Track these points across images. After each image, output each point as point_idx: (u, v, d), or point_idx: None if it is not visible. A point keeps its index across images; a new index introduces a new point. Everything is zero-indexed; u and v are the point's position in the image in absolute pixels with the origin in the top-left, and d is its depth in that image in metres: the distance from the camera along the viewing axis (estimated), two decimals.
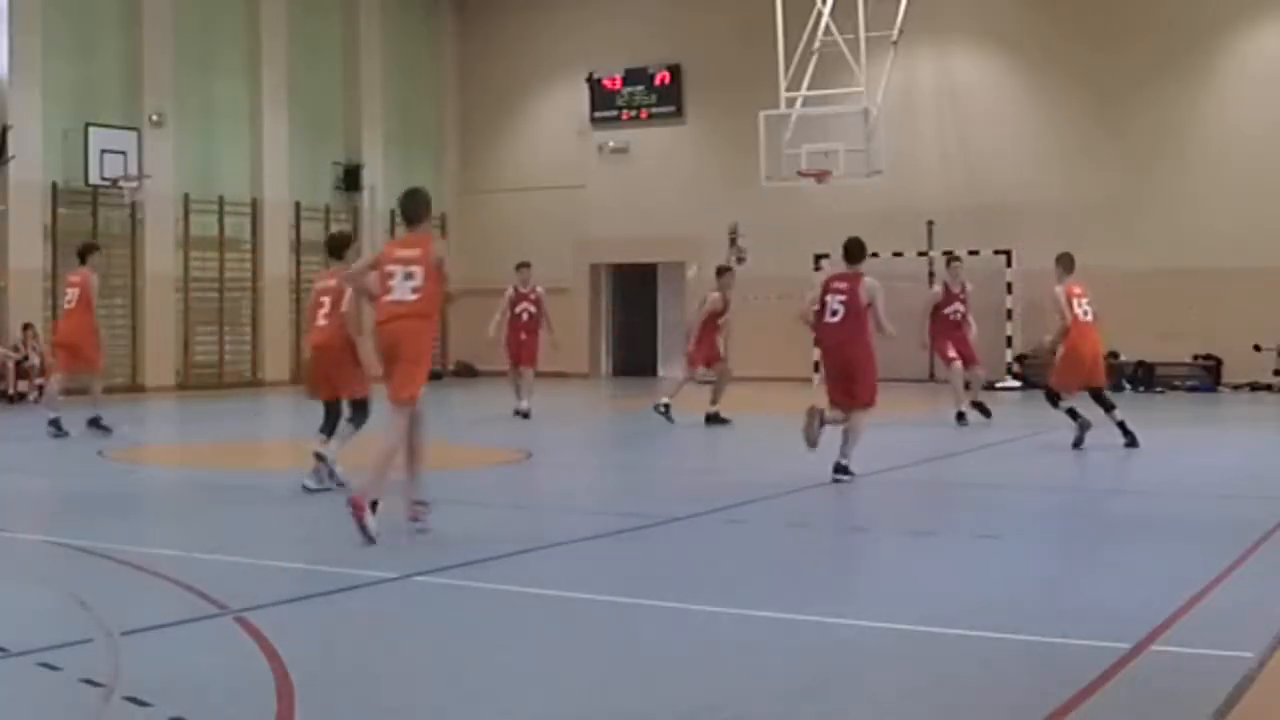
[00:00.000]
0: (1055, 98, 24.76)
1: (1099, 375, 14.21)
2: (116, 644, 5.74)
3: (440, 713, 5.01)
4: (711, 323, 17.13)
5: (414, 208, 8.99)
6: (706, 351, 17.07)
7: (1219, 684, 5.08)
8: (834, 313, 11.37)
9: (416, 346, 8.74)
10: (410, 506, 8.66)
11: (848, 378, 11.35)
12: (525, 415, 17.70)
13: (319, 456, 10.66)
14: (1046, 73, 24.81)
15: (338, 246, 11.29)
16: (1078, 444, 13.81)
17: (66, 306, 15.86)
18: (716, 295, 17.18)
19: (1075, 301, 14.00)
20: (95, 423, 15.41)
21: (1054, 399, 14.22)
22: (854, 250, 11.70)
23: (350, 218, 27.98)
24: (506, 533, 8.97)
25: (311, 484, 10.65)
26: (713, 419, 16.72)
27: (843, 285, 11.48)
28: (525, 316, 18.41)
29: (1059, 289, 14.18)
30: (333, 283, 10.78)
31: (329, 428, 10.86)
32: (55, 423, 15.18)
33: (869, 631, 6.11)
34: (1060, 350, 14.23)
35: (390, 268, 8.73)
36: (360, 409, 10.88)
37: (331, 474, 10.72)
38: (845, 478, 11.18)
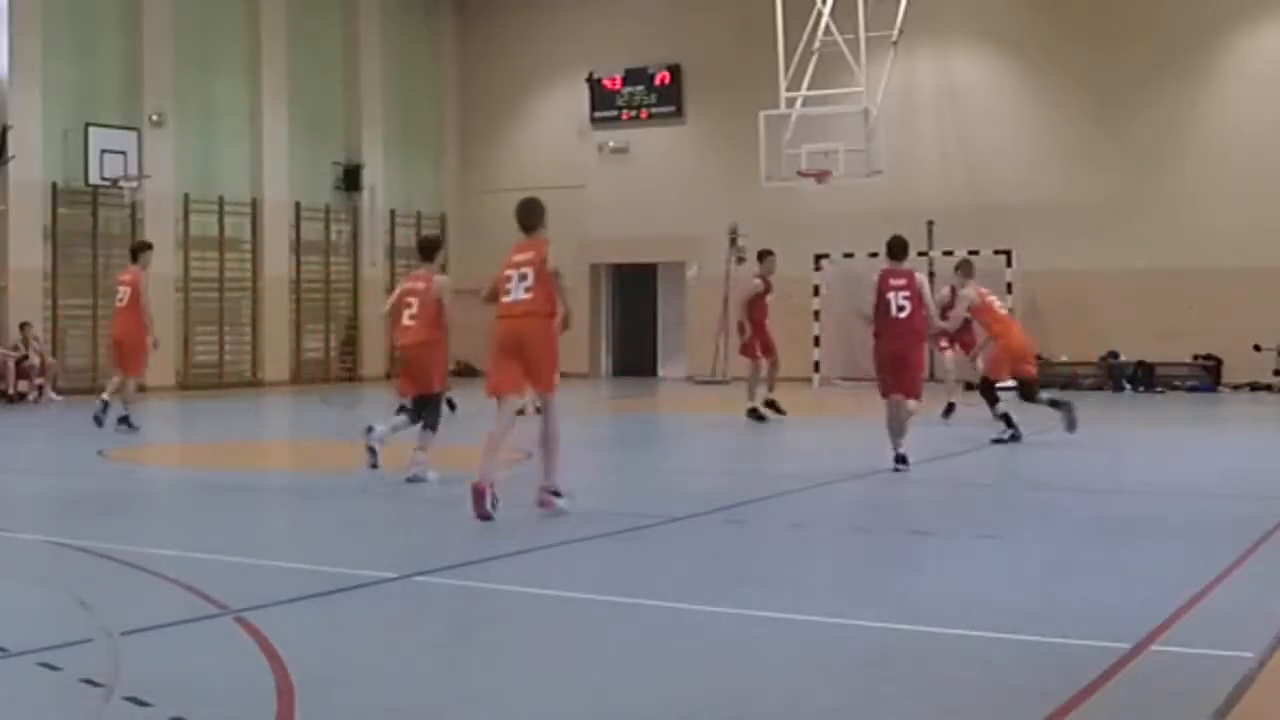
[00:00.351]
0: (1055, 98, 24.77)
1: (1029, 364, 14.80)
2: (116, 644, 5.74)
3: (440, 713, 5.01)
4: (758, 308, 17.43)
5: (528, 216, 9.72)
6: (763, 340, 17.36)
7: (1219, 684, 5.08)
8: (900, 309, 11.98)
9: (538, 342, 9.45)
10: (541, 493, 9.40)
11: (903, 368, 12.06)
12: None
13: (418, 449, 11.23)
14: (1046, 73, 24.82)
15: (430, 249, 11.92)
16: (1000, 440, 14.39)
17: (118, 305, 16.06)
18: (757, 280, 17.47)
19: (991, 303, 14.75)
20: (124, 420, 15.74)
21: (993, 398, 14.66)
22: (898, 248, 12.36)
23: (350, 218, 28.02)
24: (506, 533, 8.97)
25: (432, 476, 11.06)
26: (771, 406, 17.07)
27: (901, 282, 12.08)
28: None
29: (969, 293, 14.81)
30: (421, 285, 11.43)
31: (427, 421, 11.39)
32: (125, 419, 15.61)
33: (869, 631, 6.11)
34: (991, 346, 15.07)
35: (508, 271, 9.57)
36: (433, 405, 11.42)
37: (373, 451, 11.21)
38: (904, 467, 11.85)
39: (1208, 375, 23.25)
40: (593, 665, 5.62)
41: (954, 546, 8.64)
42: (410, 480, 11.03)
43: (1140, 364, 23.54)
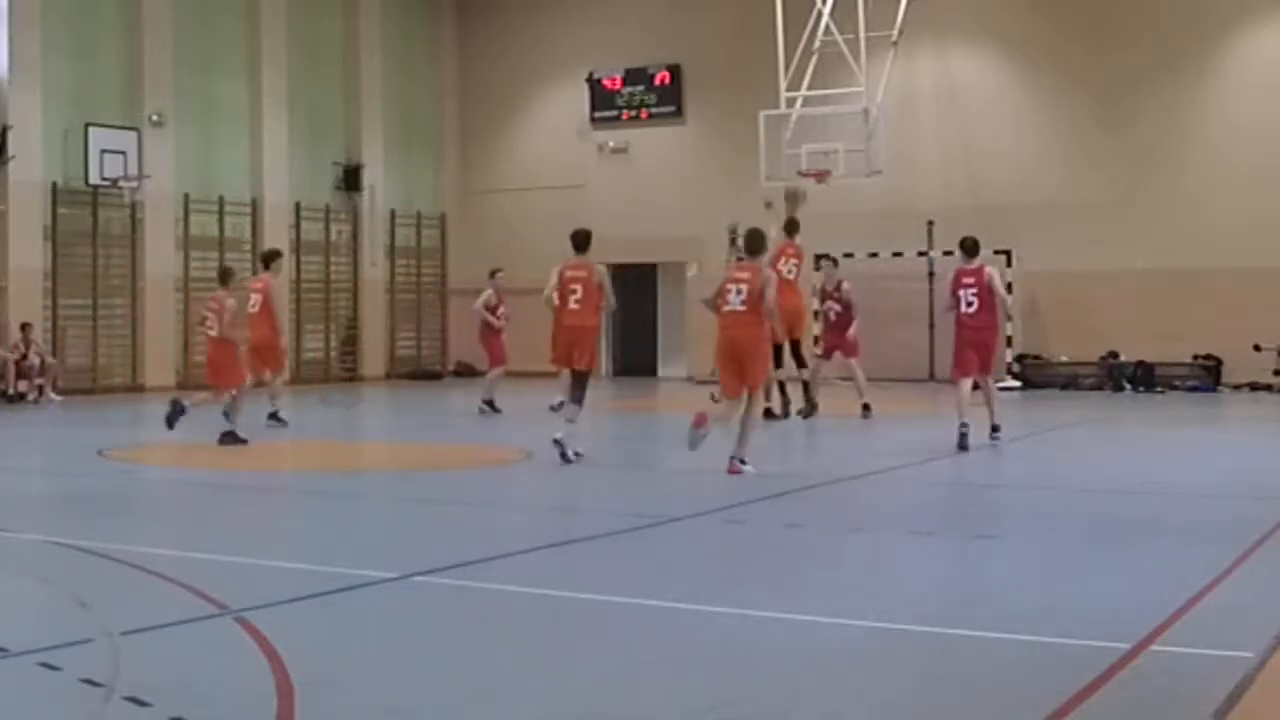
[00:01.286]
0: (1055, 98, 24.76)
1: (799, 331, 16.89)
2: (116, 644, 5.74)
3: (441, 713, 5.01)
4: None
5: (754, 243, 12.09)
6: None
7: (1219, 684, 5.08)
8: (969, 304, 13.83)
9: (750, 346, 11.81)
10: (731, 462, 11.56)
11: (983, 352, 13.94)
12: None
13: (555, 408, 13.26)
14: (1046, 73, 24.81)
15: (585, 242, 13.30)
16: (795, 414, 16.47)
17: (250, 311, 16.39)
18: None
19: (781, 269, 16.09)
20: (274, 416, 16.63)
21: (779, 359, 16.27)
22: (971, 246, 14.15)
23: (350, 218, 28.02)
24: (506, 533, 8.98)
25: (579, 451, 12.69)
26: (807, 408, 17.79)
27: (970, 280, 13.93)
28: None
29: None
30: (583, 273, 13.01)
31: (576, 397, 12.95)
32: (275, 415, 16.58)
33: (868, 631, 6.11)
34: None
35: (729, 285, 11.89)
36: (584, 382, 12.91)
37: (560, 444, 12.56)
38: (999, 436, 14.09)
39: (1208, 375, 23.23)
40: (593, 665, 5.62)
41: (954, 546, 8.64)
42: (568, 457, 12.55)
43: (1140, 364, 23.52)
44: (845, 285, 18.32)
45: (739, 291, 11.69)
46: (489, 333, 19.42)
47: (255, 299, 16.46)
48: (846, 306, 18.04)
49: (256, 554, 8.19)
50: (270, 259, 17.12)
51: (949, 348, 14.80)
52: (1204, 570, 7.29)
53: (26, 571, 7.75)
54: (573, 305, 13.04)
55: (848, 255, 25.00)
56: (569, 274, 13.17)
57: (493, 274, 20.00)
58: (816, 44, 24.06)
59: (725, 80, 26.89)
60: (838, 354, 18.05)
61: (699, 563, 8.06)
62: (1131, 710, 4.99)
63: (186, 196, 24.83)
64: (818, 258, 19.86)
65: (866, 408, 17.31)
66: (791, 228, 17.03)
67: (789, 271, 16.31)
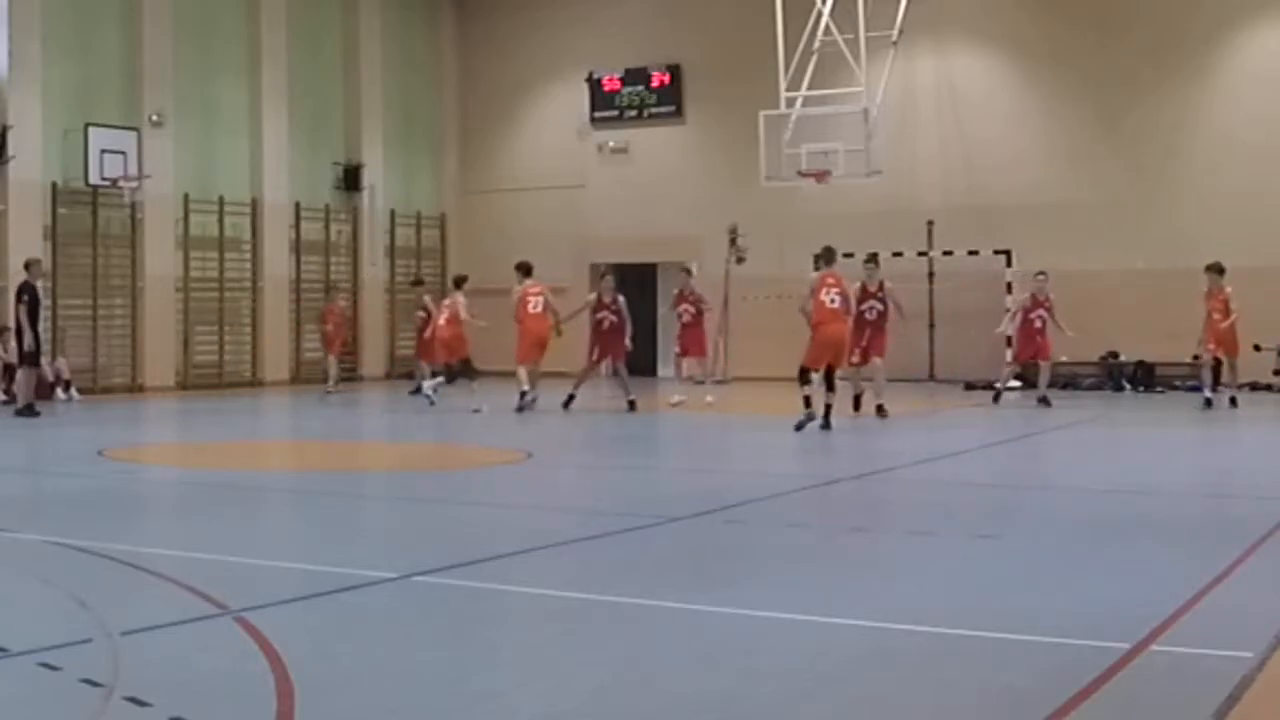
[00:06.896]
0: (1055, 98, 24.76)
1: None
2: (116, 644, 5.74)
3: (440, 713, 5.01)
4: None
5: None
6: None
7: (1219, 684, 5.08)
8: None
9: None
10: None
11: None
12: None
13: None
14: (1046, 73, 24.81)
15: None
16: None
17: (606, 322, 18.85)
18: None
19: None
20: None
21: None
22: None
23: (350, 218, 28.01)
24: (506, 533, 8.97)
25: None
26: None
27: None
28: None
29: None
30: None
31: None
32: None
33: (868, 631, 6.11)
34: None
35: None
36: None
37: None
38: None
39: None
40: (593, 665, 5.62)
41: (954, 546, 8.64)
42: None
43: (1140, 364, 23.51)
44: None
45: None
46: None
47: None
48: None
49: (256, 554, 8.19)
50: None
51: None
52: (1204, 570, 7.29)
53: (26, 571, 7.74)
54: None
55: (847, 255, 24.98)
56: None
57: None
58: (816, 44, 24.05)
59: (725, 80, 26.87)
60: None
61: (699, 563, 8.05)
62: (1131, 710, 4.99)
63: (186, 196, 24.82)
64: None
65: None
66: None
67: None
